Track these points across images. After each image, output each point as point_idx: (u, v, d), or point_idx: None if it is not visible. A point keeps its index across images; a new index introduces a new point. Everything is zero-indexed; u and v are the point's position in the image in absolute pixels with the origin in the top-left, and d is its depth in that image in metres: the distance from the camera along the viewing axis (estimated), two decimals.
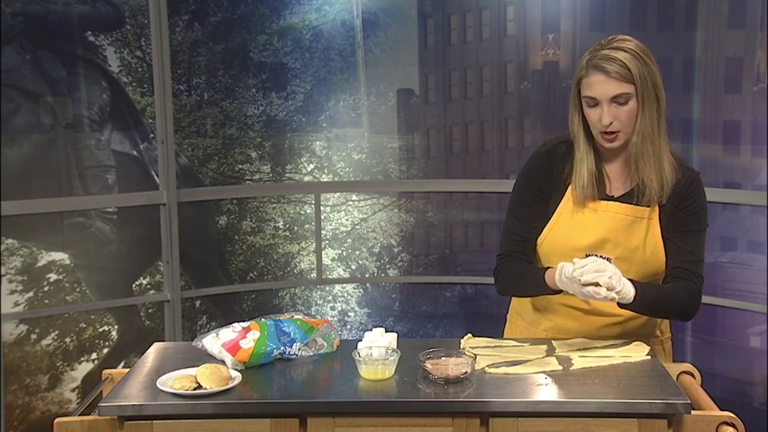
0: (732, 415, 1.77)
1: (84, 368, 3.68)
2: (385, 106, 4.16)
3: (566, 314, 2.18)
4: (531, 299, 2.26)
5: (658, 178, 2.06)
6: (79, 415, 1.82)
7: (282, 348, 1.98)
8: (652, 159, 2.05)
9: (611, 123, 2.02)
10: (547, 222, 2.15)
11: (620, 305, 1.98)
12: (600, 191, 2.11)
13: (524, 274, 2.13)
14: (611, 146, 2.07)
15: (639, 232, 2.09)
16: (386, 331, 2.07)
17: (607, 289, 1.89)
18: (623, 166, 2.12)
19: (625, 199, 2.11)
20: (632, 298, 1.95)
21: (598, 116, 2.03)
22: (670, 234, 2.10)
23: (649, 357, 2.00)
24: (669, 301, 2.04)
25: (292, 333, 2.01)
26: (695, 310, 2.10)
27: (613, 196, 2.12)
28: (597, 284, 1.89)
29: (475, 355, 1.92)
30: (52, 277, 3.59)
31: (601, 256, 2.06)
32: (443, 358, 1.90)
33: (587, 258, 1.95)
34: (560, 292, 2.03)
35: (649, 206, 2.09)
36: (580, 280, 1.89)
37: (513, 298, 2.37)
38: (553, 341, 2.11)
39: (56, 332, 3.62)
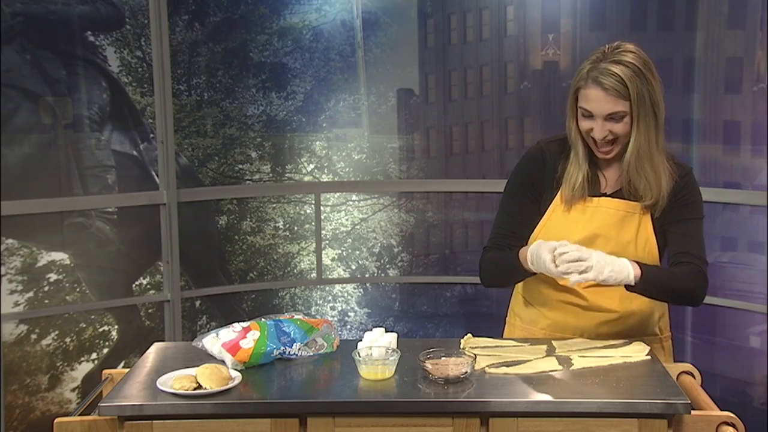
0: (732, 415, 1.77)
1: (84, 368, 3.68)
2: (385, 106, 4.16)
3: (564, 311, 2.19)
4: (529, 295, 2.26)
5: (656, 192, 2.08)
6: (79, 415, 1.82)
7: (282, 348, 1.98)
8: (652, 176, 2.07)
9: (605, 136, 2.04)
10: (538, 218, 2.17)
11: (626, 287, 1.99)
12: (594, 190, 2.13)
13: (501, 260, 2.15)
14: (604, 156, 2.09)
15: (631, 227, 2.11)
16: (386, 331, 2.07)
17: (580, 273, 1.92)
18: (619, 168, 2.14)
19: (618, 194, 2.13)
20: (632, 280, 1.96)
21: (591, 127, 2.05)
22: (669, 224, 2.11)
23: (649, 357, 2.00)
24: (675, 282, 2.04)
25: (292, 333, 2.01)
26: (703, 293, 2.10)
27: (605, 193, 2.14)
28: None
29: (475, 355, 1.92)
30: (52, 277, 3.59)
31: None
32: (443, 358, 1.90)
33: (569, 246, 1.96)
34: (535, 273, 2.05)
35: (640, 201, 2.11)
36: (556, 265, 1.93)
37: (512, 299, 2.37)
38: (553, 341, 2.11)
39: (56, 332, 3.62)
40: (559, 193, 2.14)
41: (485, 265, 2.20)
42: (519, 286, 2.32)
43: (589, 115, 2.04)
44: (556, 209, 2.15)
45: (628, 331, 2.16)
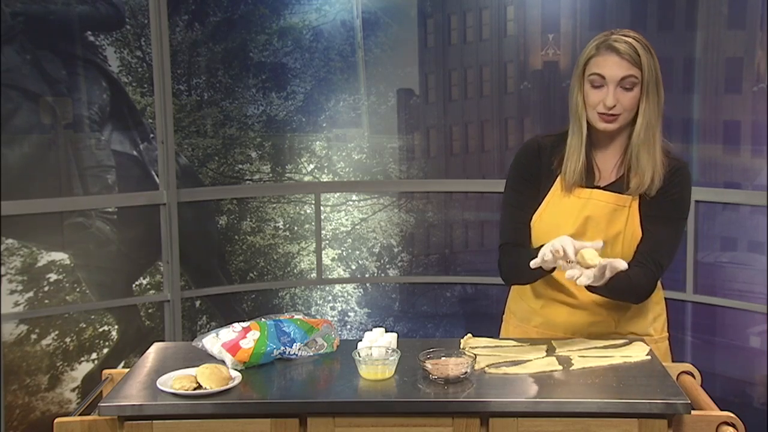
0: (732, 415, 1.77)
1: (84, 368, 3.68)
2: (385, 106, 4.16)
3: (555, 308, 2.22)
4: (521, 290, 2.30)
5: (651, 171, 2.10)
6: (79, 415, 1.82)
7: (282, 348, 1.98)
8: (653, 150, 2.09)
9: (614, 106, 2.05)
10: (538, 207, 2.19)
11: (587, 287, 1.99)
12: (588, 180, 2.15)
13: (518, 261, 2.15)
14: (607, 128, 2.09)
15: (620, 220, 2.12)
16: (386, 331, 2.07)
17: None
18: (614, 155, 2.16)
19: (611, 188, 2.15)
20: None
21: (601, 97, 2.06)
22: (645, 218, 2.13)
23: (649, 357, 2.00)
24: (626, 287, 2.05)
25: (292, 333, 2.01)
26: (645, 296, 2.13)
27: (599, 186, 2.16)
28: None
29: (475, 355, 1.92)
30: (52, 277, 3.59)
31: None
32: (443, 358, 1.90)
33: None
34: (553, 270, 2.05)
35: (632, 195, 2.12)
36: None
37: (509, 297, 2.39)
38: (553, 341, 2.12)
39: (56, 332, 3.62)
40: (557, 180, 2.16)
41: (503, 265, 2.20)
42: None
43: (600, 85, 2.06)
44: (551, 200, 2.17)
45: (619, 330, 2.18)
